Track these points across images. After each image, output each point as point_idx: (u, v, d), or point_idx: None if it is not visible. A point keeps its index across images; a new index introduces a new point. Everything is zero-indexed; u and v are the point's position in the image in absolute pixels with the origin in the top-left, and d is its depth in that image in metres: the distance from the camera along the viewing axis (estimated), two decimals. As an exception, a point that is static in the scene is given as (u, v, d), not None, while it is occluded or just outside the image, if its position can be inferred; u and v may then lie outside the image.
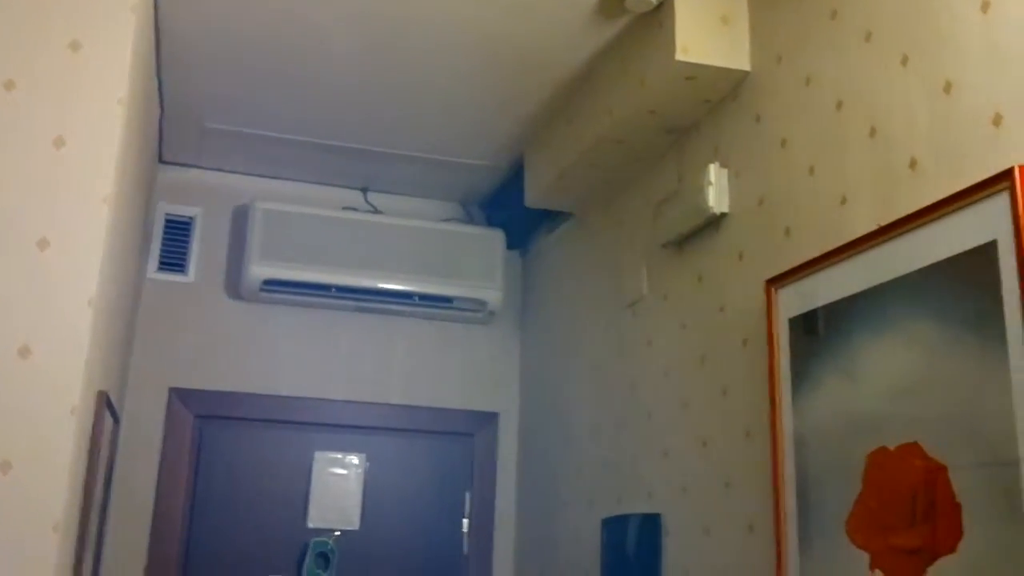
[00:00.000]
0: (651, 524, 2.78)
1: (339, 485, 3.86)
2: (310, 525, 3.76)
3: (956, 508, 1.69)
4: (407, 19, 2.78)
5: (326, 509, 3.81)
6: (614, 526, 3.01)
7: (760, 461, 2.28)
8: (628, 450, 3.00)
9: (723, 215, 2.56)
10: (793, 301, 2.21)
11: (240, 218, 3.84)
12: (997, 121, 1.69)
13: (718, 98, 2.63)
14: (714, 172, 2.57)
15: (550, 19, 2.74)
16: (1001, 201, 1.65)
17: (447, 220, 4.03)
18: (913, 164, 1.89)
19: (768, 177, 2.39)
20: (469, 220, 4.12)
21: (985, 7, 1.75)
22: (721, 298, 2.55)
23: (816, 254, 2.12)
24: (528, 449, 3.88)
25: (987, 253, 1.67)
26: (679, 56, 2.48)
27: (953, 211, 1.76)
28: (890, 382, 1.89)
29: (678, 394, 2.72)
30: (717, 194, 2.55)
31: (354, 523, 3.81)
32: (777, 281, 2.26)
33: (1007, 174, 1.64)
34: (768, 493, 2.22)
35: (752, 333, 2.38)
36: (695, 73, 2.53)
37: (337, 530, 3.78)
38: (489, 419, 4.01)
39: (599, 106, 2.91)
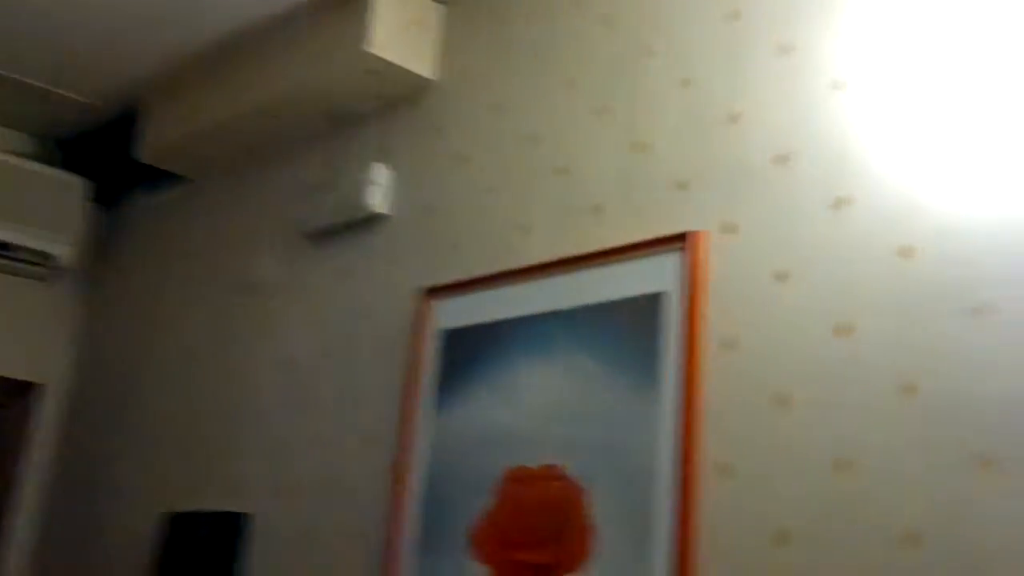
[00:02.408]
0: (232, 523, 2.59)
1: None
2: None
3: (588, 529, 1.82)
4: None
5: None
6: (183, 523, 2.76)
7: (382, 468, 2.25)
8: (217, 443, 2.78)
9: (381, 216, 2.51)
10: (451, 314, 2.24)
11: None
12: (683, 186, 1.89)
13: (393, 99, 2.60)
14: (379, 171, 2.52)
15: (235, -34, 2.50)
16: (674, 258, 1.85)
17: (16, 153, 3.44)
18: (597, 210, 2.03)
19: (441, 189, 2.41)
20: (45, 159, 3.56)
21: (686, 83, 1.96)
22: (365, 299, 2.49)
23: (485, 273, 2.18)
24: (76, 429, 3.41)
25: (655, 302, 1.85)
26: (369, 47, 2.41)
27: (629, 259, 1.92)
28: (542, 405, 1.99)
29: (296, 390, 2.59)
30: (378, 194, 2.51)
31: None
32: (438, 292, 2.27)
33: (683, 236, 1.83)
34: (387, 501, 2.20)
35: (395, 339, 2.35)
36: (380, 68, 2.48)
37: None
38: (27, 389, 3.48)
39: (262, 75, 2.70)
